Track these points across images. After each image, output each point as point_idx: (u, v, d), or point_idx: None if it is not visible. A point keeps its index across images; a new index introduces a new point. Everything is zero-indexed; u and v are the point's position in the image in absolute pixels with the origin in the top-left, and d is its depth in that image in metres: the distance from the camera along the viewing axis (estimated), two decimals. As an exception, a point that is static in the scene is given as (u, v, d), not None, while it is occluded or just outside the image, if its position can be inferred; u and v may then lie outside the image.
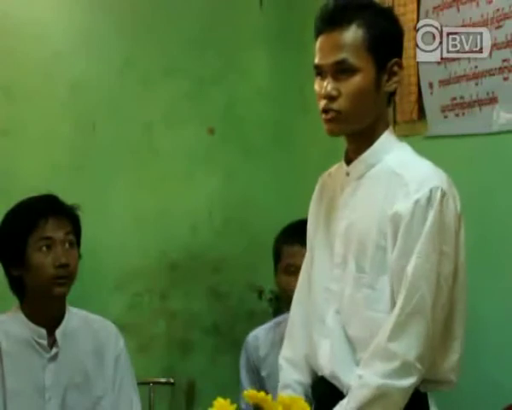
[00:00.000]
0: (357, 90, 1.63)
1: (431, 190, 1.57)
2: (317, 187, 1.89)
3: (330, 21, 1.64)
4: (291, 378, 1.84)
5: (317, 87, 1.68)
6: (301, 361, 1.84)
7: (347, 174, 1.74)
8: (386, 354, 1.58)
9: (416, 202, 1.57)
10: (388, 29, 1.68)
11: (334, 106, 1.64)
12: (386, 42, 1.66)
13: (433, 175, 1.62)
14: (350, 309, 1.68)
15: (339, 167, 1.81)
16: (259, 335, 2.48)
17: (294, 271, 2.25)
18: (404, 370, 1.57)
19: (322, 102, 1.65)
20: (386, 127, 1.72)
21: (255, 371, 2.45)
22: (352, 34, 1.63)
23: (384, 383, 1.56)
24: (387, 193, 1.63)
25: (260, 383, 2.40)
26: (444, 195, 1.58)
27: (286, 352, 1.90)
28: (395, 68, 1.67)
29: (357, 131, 1.68)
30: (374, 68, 1.64)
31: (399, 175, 1.63)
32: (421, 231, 1.57)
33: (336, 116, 1.65)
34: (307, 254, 1.90)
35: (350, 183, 1.73)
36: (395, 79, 1.68)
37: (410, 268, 1.57)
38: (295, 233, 2.30)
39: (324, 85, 1.64)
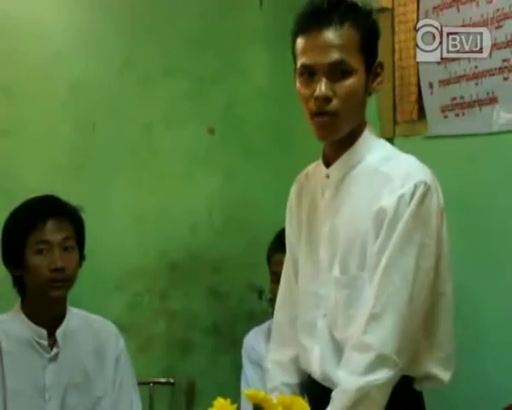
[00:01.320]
0: (352, 92, 1.61)
1: (415, 185, 1.56)
2: (294, 190, 1.86)
3: (322, 20, 1.59)
4: (278, 381, 1.85)
5: (303, 88, 1.63)
6: (288, 363, 1.85)
7: (327, 177, 1.71)
8: (361, 346, 1.57)
9: (400, 196, 1.56)
10: (373, 30, 1.67)
11: (329, 108, 1.60)
12: (373, 43, 1.65)
13: (418, 170, 1.61)
14: (334, 312, 1.67)
15: (316, 168, 1.78)
16: (259, 333, 2.50)
17: (277, 280, 2.26)
18: (379, 362, 1.55)
19: (315, 105, 1.60)
20: (364, 126, 1.70)
21: (256, 362, 2.47)
22: (346, 34, 1.59)
23: (362, 384, 1.54)
24: (372, 191, 1.61)
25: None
26: (428, 189, 1.57)
27: (272, 355, 1.91)
28: (379, 70, 1.67)
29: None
30: (364, 70, 1.62)
31: (383, 172, 1.61)
32: (400, 224, 1.56)
33: (331, 120, 1.61)
34: (288, 259, 1.89)
35: (331, 185, 1.70)
36: (379, 79, 1.67)
37: (384, 259, 1.56)
38: (282, 242, 2.30)
39: (318, 87, 1.59)
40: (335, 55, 1.58)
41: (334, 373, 1.65)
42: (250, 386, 2.38)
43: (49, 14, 2.91)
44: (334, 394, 1.60)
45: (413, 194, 1.56)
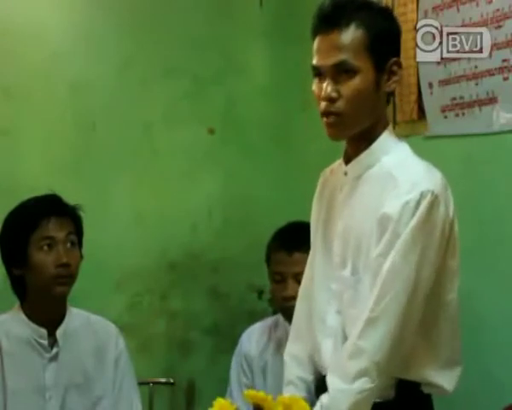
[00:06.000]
0: (357, 92, 1.62)
1: (421, 193, 1.56)
2: (319, 184, 1.89)
3: (328, 22, 1.63)
4: (294, 375, 1.85)
5: (315, 88, 1.67)
6: (305, 358, 1.85)
7: (345, 174, 1.73)
8: (355, 350, 1.58)
9: (406, 203, 1.56)
10: (387, 28, 1.67)
11: (334, 108, 1.63)
12: (385, 41, 1.65)
13: (427, 178, 1.60)
14: (347, 310, 1.68)
15: (339, 165, 1.80)
16: (252, 335, 2.47)
17: (280, 279, 2.26)
18: (369, 370, 1.56)
19: (322, 105, 1.64)
20: (385, 127, 1.71)
21: (246, 366, 2.45)
22: (352, 34, 1.61)
23: (355, 399, 1.56)
24: (381, 194, 1.62)
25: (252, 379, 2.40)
26: (435, 198, 1.56)
27: (290, 348, 1.91)
28: (394, 68, 1.66)
29: (358, 133, 1.68)
30: (373, 69, 1.63)
31: (394, 177, 1.62)
32: (404, 231, 1.56)
33: (337, 120, 1.64)
34: (311, 251, 1.90)
35: (348, 183, 1.72)
36: (395, 78, 1.67)
37: (386, 266, 1.57)
38: (283, 240, 2.30)
39: (324, 87, 1.63)
40: (338, 56, 1.61)
41: None
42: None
43: (49, 14, 2.91)
44: (324, 404, 1.61)
45: (419, 202, 1.56)
